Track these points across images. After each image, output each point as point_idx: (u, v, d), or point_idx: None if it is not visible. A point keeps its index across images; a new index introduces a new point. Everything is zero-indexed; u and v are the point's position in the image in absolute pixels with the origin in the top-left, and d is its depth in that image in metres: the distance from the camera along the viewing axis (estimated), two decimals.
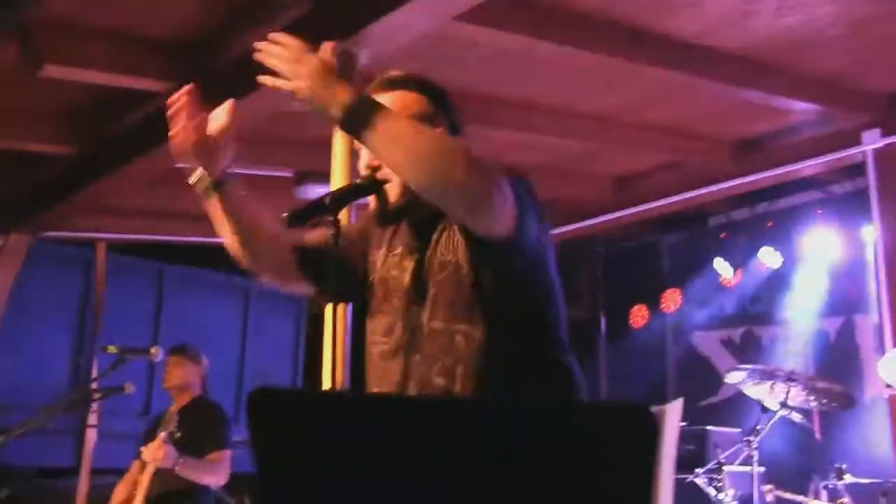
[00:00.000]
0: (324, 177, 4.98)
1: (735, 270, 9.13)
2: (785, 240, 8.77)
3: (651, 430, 1.65)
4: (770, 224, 9.00)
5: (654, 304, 9.88)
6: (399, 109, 2.44)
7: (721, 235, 9.45)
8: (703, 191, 8.05)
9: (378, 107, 2.25)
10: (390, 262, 2.61)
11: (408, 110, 2.49)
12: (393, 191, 2.49)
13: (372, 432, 1.68)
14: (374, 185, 2.50)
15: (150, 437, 5.88)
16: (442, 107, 2.58)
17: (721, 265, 9.13)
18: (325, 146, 4.96)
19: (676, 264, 10.13)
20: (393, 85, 2.56)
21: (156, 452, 5.54)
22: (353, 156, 2.57)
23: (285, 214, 2.38)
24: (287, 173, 7.51)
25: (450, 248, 2.47)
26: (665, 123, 7.24)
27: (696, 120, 7.20)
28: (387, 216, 2.53)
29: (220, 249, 2.73)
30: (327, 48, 2.29)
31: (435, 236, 2.51)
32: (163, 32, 5.75)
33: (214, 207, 2.60)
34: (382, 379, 2.54)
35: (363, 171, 2.53)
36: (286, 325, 12.31)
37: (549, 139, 7.26)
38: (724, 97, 6.51)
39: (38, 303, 9.52)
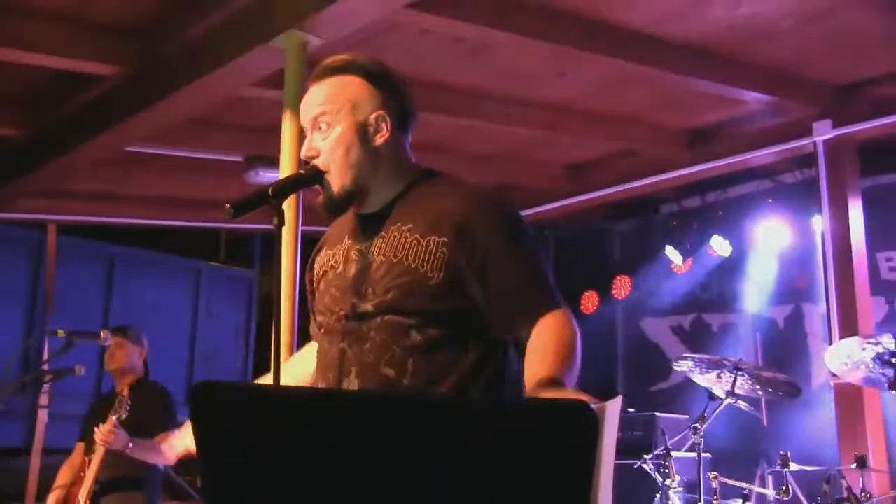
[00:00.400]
0: (273, 161, 4.96)
1: (686, 258, 9.17)
2: (735, 228, 8.83)
3: (591, 427, 1.66)
4: (721, 213, 9.06)
5: (604, 290, 9.90)
6: (338, 94, 2.49)
7: (672, 223, 9.51)
8: (655, 179, 8.10)
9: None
10: (334, 254, 2.60)
11: (347, 95, 2.49)
12: (334, 181, 2.48)
13: (314, 427, 1.69)
14: (316, 175, 2.49)
15: (93, 418, 5.85)
16: (389, 91, 2.55)
17: (672, 253, 9.18)
18: (275, 131, 4.93)
19: (628, 251, 10.18)
20: (335, 70, 2.53)
21: (107, 436, 5.51)
22: (302, 141, 2.55)
23: (228, 205, 2.35)
24: (237, 157, 7.48)
25: (416, 254, 2.42)
26: (618, 112, 7.27)
27: (648, 109, 7.24)
28: (330, 205, 2.52)
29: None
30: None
31: (394, 236, 2.47)
32: (112, 15, 5.68)
33: None
34: (322, 363, 2.54)
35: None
36: (237, 307, 12.28)
37: (502, 127, 7.27)
38: (676, 87, 6.55)
39: None
